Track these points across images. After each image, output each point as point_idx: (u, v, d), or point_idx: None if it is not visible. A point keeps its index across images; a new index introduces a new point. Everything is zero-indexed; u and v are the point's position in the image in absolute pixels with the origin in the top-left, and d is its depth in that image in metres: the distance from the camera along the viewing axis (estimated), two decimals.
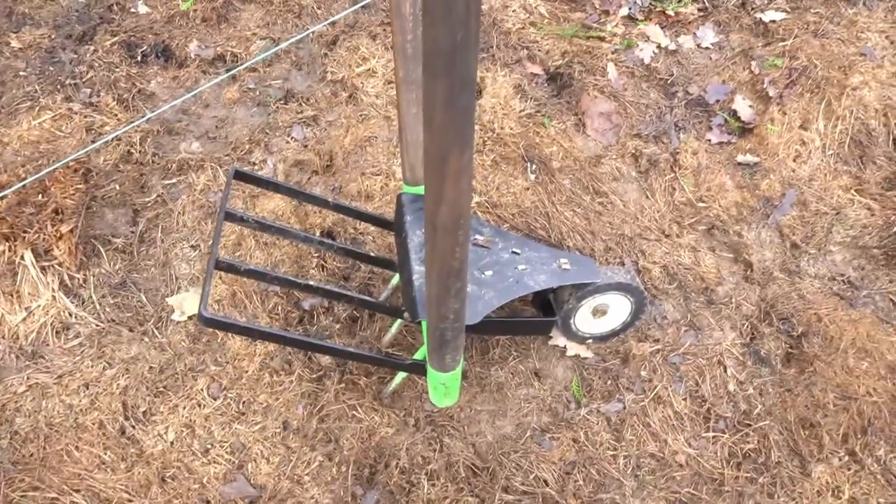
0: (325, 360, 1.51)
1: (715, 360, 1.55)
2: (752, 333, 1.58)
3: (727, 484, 1.42)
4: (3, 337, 1.55)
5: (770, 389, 1.51)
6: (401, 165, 1.31)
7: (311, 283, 1.28)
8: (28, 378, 1.51)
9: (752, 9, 1.98)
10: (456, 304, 0.96)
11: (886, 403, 1.46)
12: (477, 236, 1.36)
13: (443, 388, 1.20)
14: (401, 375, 1.42)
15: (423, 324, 1.26)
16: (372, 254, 1.49)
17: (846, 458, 1.42)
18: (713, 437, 1.47)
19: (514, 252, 1.37)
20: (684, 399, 1.51)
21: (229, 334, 1.53)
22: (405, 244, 1.30)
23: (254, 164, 1.77)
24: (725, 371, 1.54)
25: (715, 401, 1.50)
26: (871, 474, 1.41)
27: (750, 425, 1.47)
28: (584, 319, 1.47)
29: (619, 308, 1.46)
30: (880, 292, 1.62)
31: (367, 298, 1.34)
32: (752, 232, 1.70)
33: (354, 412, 1.43)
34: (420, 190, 1.35)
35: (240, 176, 1.34)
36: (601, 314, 1.47)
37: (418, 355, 1.32)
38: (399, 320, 1.47)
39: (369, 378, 1.48)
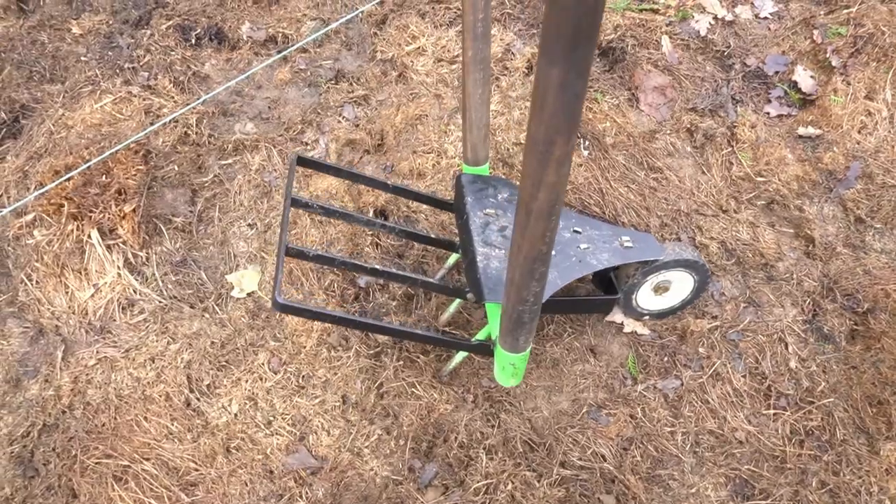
0: (382, 337, 1.53)
1: (775, 337, 1.52)
2: (815, 310, 1.55)
3: (789, 461, 1.40)
4: (74, 312, 1.62)
5: (834, 366, 1.48)
6: (462, 145, 1.31)
7: (377, 267, 1.30)
8: (97, 352, 1.57)
9: None
10: (538, 287, 0.96)
11: None
12: None
13: (511, 368, 1.20)
14: (461, 355, 1.43)
15: (489, 306, 1.27)
16: (432, 235, 1.50)
17: None
18: (774, 414, 1.45)
19: (575, 231, 1.36)
20: (743, 376, 1.49)
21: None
22: (467, 225, 1.30)
23: (306, 143, 1.80)
24: (786, 348, 1.51)
25: (776, 378, 1.48)
26: None
27: (813, 402, 1.44)
28: (646, 296, 1.46)
29: (681, 284, 1.44)
30: None
31: (432, 281, 1.36)
32: (814, 206, 1.66)
33: (413, 389, 1.45)
34: (480, 170, 1.35)
35: (302, 162, 1.36)
36: (663, 291, 1.46)
37: (481, 335, 1.33)
38: (458, 300, 1.48)
39: (427, 356, 1.50)
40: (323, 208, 1.37)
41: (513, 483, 1.38)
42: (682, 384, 1.47)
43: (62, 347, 1.59)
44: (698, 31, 1.80)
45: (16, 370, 1.58)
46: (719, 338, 1.51)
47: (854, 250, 1.60)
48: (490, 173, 1.39)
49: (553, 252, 1.29)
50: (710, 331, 1.52)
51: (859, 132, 1.70)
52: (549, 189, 0.77)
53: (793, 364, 1.49)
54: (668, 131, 1.73)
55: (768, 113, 1.75)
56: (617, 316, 1.52)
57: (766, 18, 1.85)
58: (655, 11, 1.85)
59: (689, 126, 1.73)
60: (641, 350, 1.51)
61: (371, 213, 1.67)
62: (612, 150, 1.69)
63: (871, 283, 1.53)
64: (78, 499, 1.41)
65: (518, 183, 1.48)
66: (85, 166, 1.69)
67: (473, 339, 1.32)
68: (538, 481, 1.38)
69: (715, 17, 1.81)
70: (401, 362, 1.49)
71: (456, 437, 1.41)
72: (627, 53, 1.81)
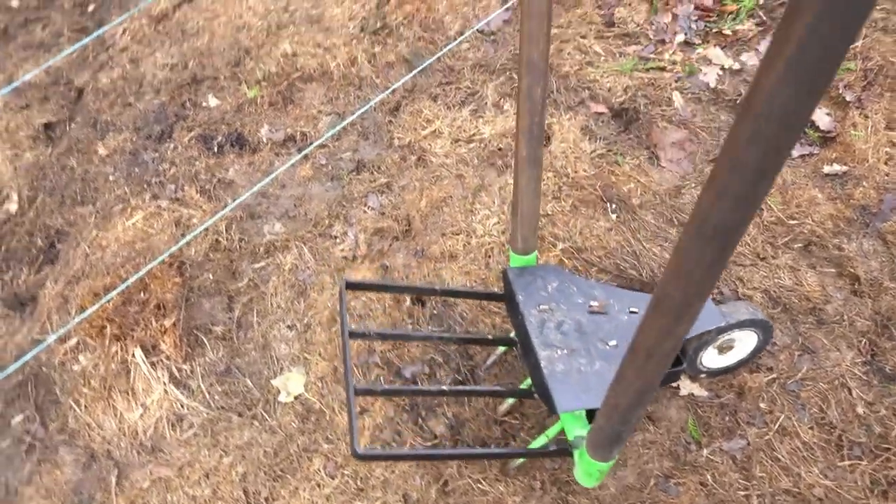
0: (439, 428, 1.51)
1: (837, 383, 1.48)
2: (872, 350, 1.52)
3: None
4: (125, 434, 1.62)
5: None
6: (511, 236, 1.31)
7: (445, 388, 1.29)
8: (151, 473, 1.56)
9: None
10: (643, 410, 0.95)
11: None
12: (591, 302, 1.32)
13: (598, 474, 1.17)
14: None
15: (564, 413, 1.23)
16: (489, 336, 1.48)
17: None
18: (850, 465, 1.40)
19: (631, 312, 1.32)
20: (811, 428, 1.45)
21: (339, 414, 1.55)
22: (523, 325, 1.28)
23: (335, 237, 1.82)
24: (850, 393, 1.47)
25: (845, 426, 1.44)
26: None
27: (889, 449, 1.40)
28: (711, 358, 1.44)
29: (745, 341, 1.43)
30: None
31: (499, 389, 1.37)
32: (854, 243, 1.64)
33: (479, 485, 1.42)
34: (527, 260, 1.35)
35: (351, 286, 1.35)
36: (728, 349, 1.44)
37: (540, 441, 1.31)
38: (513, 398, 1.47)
39: (485, 446, 1.48)
40: (380, 335, 1.38)
41: None
42: (749, 443, 1.43)
43: (115, 472, 1.59)
44: (708, 83, 1.83)
45: (70, 499, 1.58)
46: (778, 390, 1.48)
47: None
48: (537, 262, 1.38)
49: (614, 342, 1.27)
50: (768, 384, 1.49)
51: (886, 164, 1.70)
52: (675, 340, 0.76)
53: (860, 410, 1.45)
54: (693, 185, 1.74)
55: (790, 154, 1.75)
56: None
57: None
58: (663, 69, 1.89)
59: None
60: (700, 412, 1.48)
61: (408, 301, 1.68)
62: (640, 211, 1.70)
63: None
64: None
65: (564, 269, 1.49)
66: (123, 286, 1.72)
67: (553, 446, 1.28)
68: None
69: (722, 68, 1.85)
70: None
71: None
72: (641, 113, 1.84)
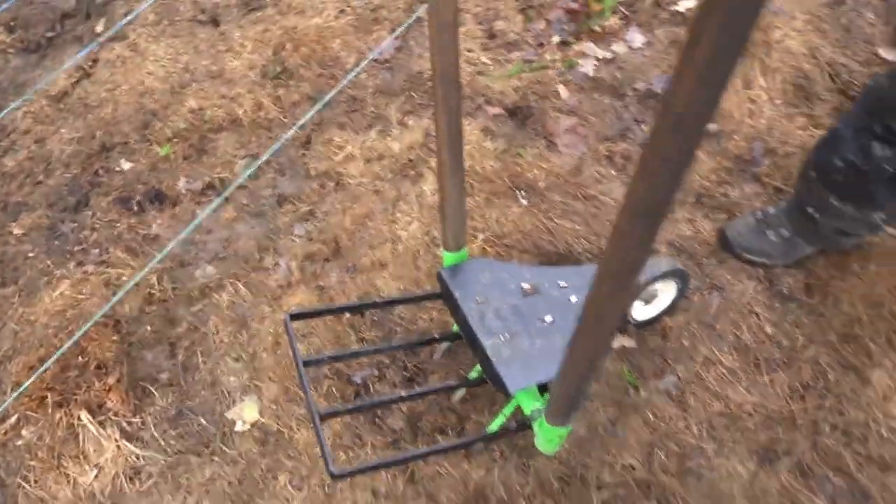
0: (397, 424, 1.57)
1: (745, 311, 1.64)
2: (769, 278, 1.69)
3: (798, 417, 1.49)
4: (81, 499, 1.60)
5: (803, 320, 1.61)
6: (442, 235, 1.39)
7: (404, 394, 1.37)
8: None
9: (666, 4, 2.21)
10: (596, 374, 1.00)
11: None
12: (522, 285, 1.42)
13: (558, 439, 1.24)
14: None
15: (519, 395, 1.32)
16: (436, 335, 1.55)
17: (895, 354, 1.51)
18: (769, 379, 1.55)
19: (560, 286, 1.43)
20: (730, 354, 1.59)
21: (297, 431, 1.59)
22: (464, 319, 1.35)
23: (267, 269, 1.88)
24: (758, 317, 1.63)
25: (759, 346, 1.59)
26: None
27: (798, 357, 1.56)
28: (639, 311, 1.57)
29: (667, 291, 1.56)
30: None
31: (452, 383, 1.48)
32: (737, 190, 1.84)
33: (444, 468, 1.48)
34: (460, 257, 1.43)
35: (295, 317, 1.42)
36: (653, 300, 1.57)
37: (501, 417, 1.40)
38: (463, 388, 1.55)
39: (444, 434, 1.54)
40: (335, 357, 1.45)
41: None
42: (680, 378, 1.57)
43: None
44: (587, 73, 2.03)
45: None
46: (696, 326, 1.63)
47: None
48: (468, 257, 1.46)
49: (549, 317, 1.37)
50: (687, 323, 1.63)
51: (749, 118, 1.92)
52: (622, 305, 0.84)
53: (769, 329, 1.61)
54: (590, 163, 1.91)
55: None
56: None
57: (639, 48, 2.11)
58: (546, 68, 2.09)
59: (606, 153, 1.92)
60: (632, 360, 1.61)
61: (348, 314, 1.75)
62: (548, 193, 1.85)
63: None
64: None
65: (492, 259, 1.60)
66: (58, 354, 1.72)
67: (514, 425, 1.36)
68: None
69: (597, 59, 2.05)
70: (424, 446, 1.53)
71: (496, 497, 1.44)
72: (533, 108, 2.01)
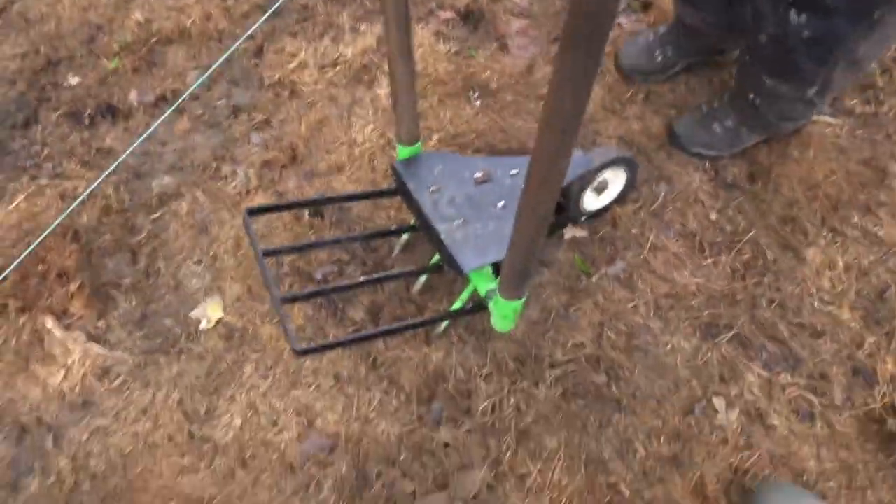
0: (358, 315, 1.62)
1: (692, 200, 1.71)
2: (715, 168, 1.76)
3: (739, 294, 1.57)
4: (52, 398, 1.63)
5: (746, 206, 1.68)
6: (396, 129, 1.40)
7: (362, 279, 1.41)
8: (88, 425, 1.58)
9: None
10: (542, 242, 1.05)
11: (844, 179, 1.64)
12: (475, 174, 1.46)
13: (513, 314, 1.29)
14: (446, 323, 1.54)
15: (473, 274, 1.36)
16: (392, 227, 1.59)
17: (829, 234, 1.60)
18: (713, 261, 1.63)
19: (511, 174, 1.47)
20: (676, 240, 1.66)
21: (261, 326, 1.63)
22: (419, 209, 1.39)
23: (225, 177, 1.89)
24: (703, 205, 1.70)
25: (703, 232, 1.66)
26: (855, 240, 1.58)
27: (740, 240, 1.64)
28: (590, 200, 1.61)
29: (616, 179, 1.61)
30: None
31: (412, 269, 1.51)
32: (682, 85, 1.88)
33: (405, 353, 1.54)
34: (414, 149, 1.45)
35: (252, 212, 1.44)
36: (603, 190, 1.62)
37: (459, 302, 1.45)
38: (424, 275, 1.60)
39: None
40: (294, 248, 1.47)
41: (514, 397, 1.49)
42: (628, 264, 1.64)
43: (50, 435, 1.59)
44: None
45: (9, 475, 1.57)
46: (645, 215, 1.69)
47: None
48: (421, 149, 1.48)
49: (502, 203, 1.41)
50: (635, 212, 1.69)
51: None
52: (561, 172, 0.90)
53: (713, 216, 1.68)
54: (542, 63, 1.93)
55: (620, 24, 1.98)
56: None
57: None
58: None
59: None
60: (584, 249, 1.67)
61: (307, 216, 1.77)
62: (500, 93, 1.87)
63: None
64: None
65: (445, 152, 1.62)
66: (16, 262, 1.72)
67: (469, 306, 1.42)
68: (536, 387, 1.50)
69: None
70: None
71: (454, 376, 1.51)
72: (485, 12, 2.01)
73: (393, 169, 1.48)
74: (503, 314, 1.30)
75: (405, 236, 1.67)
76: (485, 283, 1.36)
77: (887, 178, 1.66)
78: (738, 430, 1.42)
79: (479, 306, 1.42)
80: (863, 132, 1.74)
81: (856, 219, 1.60)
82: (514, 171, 1.48)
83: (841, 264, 1.55)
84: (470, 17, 2.02)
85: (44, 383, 1.65)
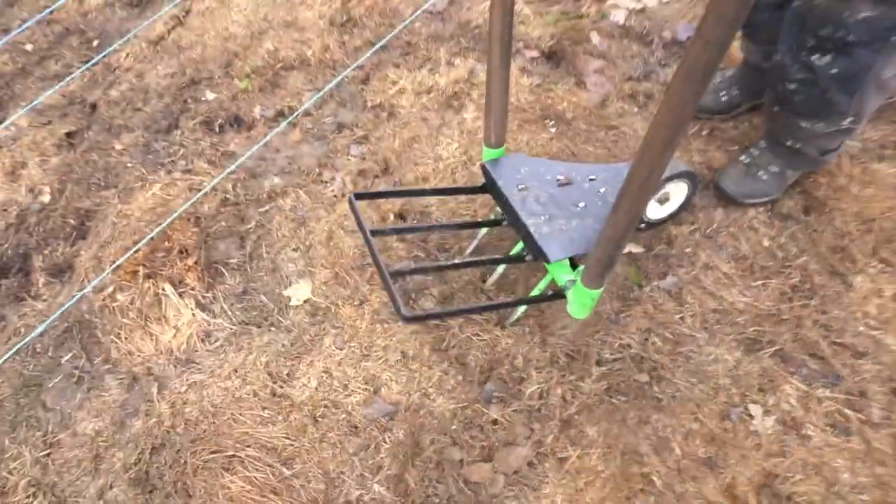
0: (428, 304, 1.80)
1: (746, 227, 1.80)
2: (772, 201, 1.84)
3: (784, 314, 1.64)
4: (161, 353, 1.88)
5: (799, 235, 1.75)
6: (484, 131, 1.59)
7: (458, 261, 1.60)
8: (187, 379, 1.82)
9: None
10: (628, 239, 1.22)
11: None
12: (558, 177, 1.62)
13: (591, 302, 1.42)
14: (523, 308, 1.69)
15: (553, 265, 1.52)
16: (480, 220, 1.78)
17: (879, 265, 1.64)
18: (762, 283, 1.70)
19: (591, 179, 1.62)
20: (728, 262, 1.75)
21: (342, 307, 1.84)
22: (508, 203, 1.56)
23: (325, 182, 2.14)
24: (757, 233, 1.78)
25: (755, 256, 1.74)
26: None
27: (790, 265, 1.70)
28: (653, 210, 1.74)
29: (678, 192, 1.73)
30: (861, 139, 1.88)
31: (497, 257, 1.68)
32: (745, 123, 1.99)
33: (477, 336, 1.69)
34: (499, 153, 1.63)
35: (359, 196, 1.64)
36: (665, 201, 1.74)
37: (542, 285, 1.60)
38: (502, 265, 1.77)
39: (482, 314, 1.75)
40: (396, 230, 1.70)
41: (561, 387, 1.61)
42: (679, 279, 1.73)
43: (156, 385, 1.84)
44: (618, 22, 2.21)
45: (119, 415, 1.83)
46: (700, 237, 1.79)
47: None
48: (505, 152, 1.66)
49: (582, 203, 1.59)
50: (691, 233, 1.80)
51: None
52: (657, 176, 1.05)
53: (766, 243, 1.76)
54: (615, 99, 2.09)
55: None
56: None
57: (667, 2, 2.28)
58: (581, 17, 2.28)
59: (630, 92, 2.10)
60: (639, 264, 1.78)
61: (392, 218, 1.99)
62: (574, 122, 2.04)
63: (810, 174, 1.83)
64: (194, 496, 1.62)
65: (528, 155, 1.80)
66: (150, 237, 2.02)
67: (550, 292, 1.57)
68: (582, 381, 1.61)
69: (628, 9, 2.23)
70: (460, 321, 1.74)
71: (511, 362, 1.65)
72: (566, 51, 2.21)
73: (483, 167, 1.66)
74: (583, 302, 1.43)
75: (481, 232, 1.83)
76: (563, 274, 1.50)
77: None
78: (773, 437, 1.47)
79: (557, 294, 1.55)
80: None
81: None
82: (593, 176, 1.63)
83: (888, 292, 1.59)
84: (552, 57, 2.22)
85: (157, 340, 1.91)
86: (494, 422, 1.58)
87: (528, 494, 1.48)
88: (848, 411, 1.47)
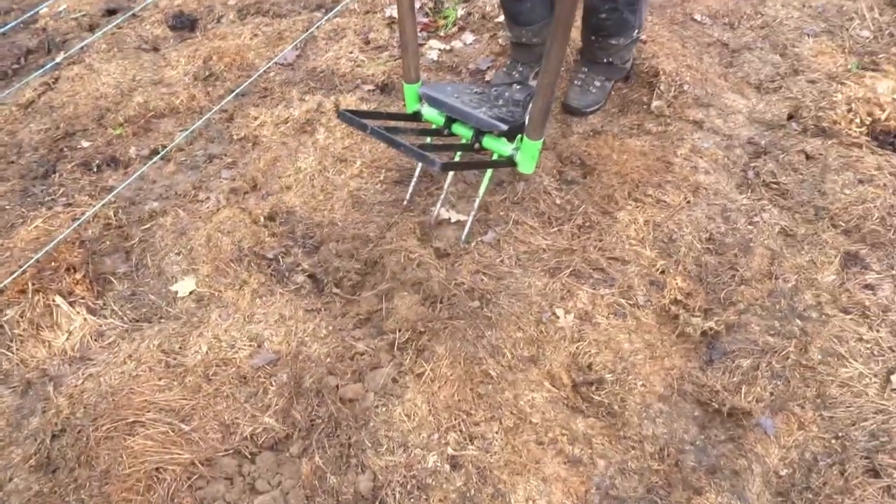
0: (300, 279, 2.06)
1: (542, 192, 2.26)
2: (559, 171, 2.32)
3: (575, 247, 2.08)
4: (56, 355, 1.98)
5: (580, 192, 2.23)
6: (403, 69, 1.98)
7: (429, 140, 2.02)
8: (83, 373, 1.93)
9: (490, 18, 2.95)
10: (556, 88, 1.63)
11: (642, 168, 2.23)
12: (474, 88, 2.08)
13: (537, 153, 1.84)
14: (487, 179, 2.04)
15: (491, 142, 1.92)
16: (433, 126, 2.08)
17: (633, 203, 2.15)
18: (557, 229, 2.14)
19: (493, 87, 2.12)
20: (532, 218, 2.18)
21: (225, 292, 2.06)
22: (454, 108, 1.92)
23: (200, 200, 2.38)
24: (551, 195, 2.25)
25: (550, 211, 2.19)
26: (648, 205, 2.13)
27: (575, 213, 2.17)
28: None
29: None
30: (618, 125, 2.45)
31: (455, 143, 2.01)
32: None
33: (336, 301, 1.98)
34: (417, 85, 2.01)
35: (347, 111, 1.83)
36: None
37: (495, 157, 1.98)
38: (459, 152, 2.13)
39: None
40: (367, 113, 2.03)
41: (418, 323, 1.92)
42: (497, 234, 2.14)
43: (52, 384, 1.93)
44: (433, 59, 2.71)
45: (14, 417, 1.89)
46: (509, 203, 2.22)
47: (566, 136, 2.44)
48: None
49: (501, 101, 2.00)
50: (502, 201, 2.22)
51: None
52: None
53: (558, 201, 2.22)
54: None
55: None
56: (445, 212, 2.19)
57: (471, 44, 2.82)
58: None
59: None
60: (463, 229, 2.17)
61: (262, 220, 2.25)
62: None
63: (585, 150, 2.35)
64: (98, 463, 1.73)
65: (445, 82, 2.25)
66: (35, 258, 2.14)
67: (504, 158, 1.94)
68: (431, 313, 1.93)
69: (440, 50, 2.74)
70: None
71: (376, 310, 1.94)
72: (395, 83, 2.65)
73: (421, 93, 2.01)
74: (531, 155, 1.84)
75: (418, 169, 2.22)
76: (506, 147, 1.92)
77: (671, 167, 2.25)
78: (574, 328, 1.87)
79: (508, 161, 1.93)
80: (658, 142, 2.35)
81: (650, 192, 2.16)
82: (494, 89, 2.09)
83: (640, 220, 2.09)
84: (384, 89, 2.66)
85: (50, 345, 2.01)
86: (362, 353, 1.85)
87: (395, 402, 1.76)
88: (622, 300, 1.91)
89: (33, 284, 2.11)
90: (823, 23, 2.81)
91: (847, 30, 2.75)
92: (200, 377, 1.84)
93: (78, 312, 2.07)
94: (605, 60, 2.39)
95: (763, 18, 2.83)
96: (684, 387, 1.76)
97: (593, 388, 1.76)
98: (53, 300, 2.08)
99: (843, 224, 2.08)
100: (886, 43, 2.67)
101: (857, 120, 2.32)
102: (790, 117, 2.43)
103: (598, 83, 2.46)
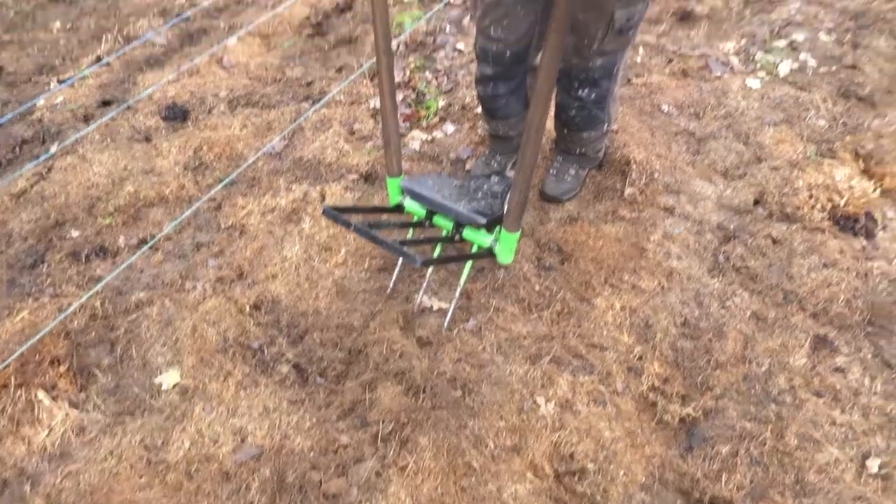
0: (284, 369, 2.07)
1: (521, 278, 2.31)
2: (538, 257, 2.39)
3: (554, 333, 2.12)
4: (34, 453, 1.95)
5: (558, 278, 2.29)
6: (386, 161, 2.03)
7: (409, 236, 2.05)
8: (62, 471, 1.90)
9: (470, 108, 3.09)
10: (531, 185, 1.69)
11: (618, 254, 2.30)
12: (454, 181, 2.15)
13: (515, 244, 1.87)
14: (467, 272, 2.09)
15: (471, 234, 1.98)
16: (416, 220, 2.13)
17: (609, 288, 2.21)
18: (537, 315, 2.19)
19: (473, 181, 2.17)
20: (512, 305, 2.23)
21: (210, 383, 2.06)
22: (435, 202, 1.98)
23: (187, 290, 2.40)
24: (530, 282, 2.30)
25: (530, 297, 2.24)
26: (624, 291, 2.19)
27: (554, 299, 2.22)
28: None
29: None
30: (594, 211, 2.54)
31: (437, 237, 2.07)
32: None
33: (320, 393, 1.99)
34: (399, 178, 2.07)
35: (332, 209, 1.88)
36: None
37: (474, 249, 2.02)
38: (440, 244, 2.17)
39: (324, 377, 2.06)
40: (351, 209, 2.12)
41: (401, 415, 1.92)
42: (478, 321, 2.18)
43: (29, 483, 1.90)
44: (415, 149, 2.81)
45: None
46: (490, 290, 2.27)
47: (543, 223, 2.52)
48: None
49: (479, 193, 2.07)
50: (483, 289, 2.27)
51: None
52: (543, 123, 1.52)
53: (537, 287, 2.28)
54: None
55: None
56: (427, 301, 2.23)
57: (451, 134, 2.94)
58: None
59: None
60: (447, 317, 2.21)
61: (247, 309, 2.28)
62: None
63: (561, 236, 2.43)
64: None
65: (426, 174, 2.32)
66: (18, 352, 2.13)
67: (484, 250, 1.98)
68: (413, 403, 1.94)
69: (422, 140, 2.85)
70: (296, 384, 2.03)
71: (359, 402, 1.95)
72: (379, 173, 2.74)
73: (403, 186, 2.08)
74: (509, 246, 1.88)
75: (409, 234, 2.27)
76: (486, 238, 1.96)
77: (645, 252, 2.32)
78: (555, 416, 1.88)
79: (488, 252, 1.98)
80: (631, 229, 2.44)
81: (626, 277, 2.22)
82: (473, 181, 2.17)
83: (617, 305, 2.14)
84: (369, 178, 2.75)
85: (29, 441, 1.98)
86: (346, 445, 1.85)
87: (378, 497, 1.74)
88: (601, 387, 1.93)
89: (16, 379, 2.09)
90: (782, 112, 2.97)
91: (804, 119, 2.92)
92: (182, 474, 1.81)
93: (60, 407, 2.05)
94: (577, 151, 2.49)
95: (726, 109, 3.00)
96: (665, 475, 1.77)
97: (576, 478, 1.76)
98: (35, 395, 2.06)
99: (811, 307, 2.14)
100: (840, 132, 2.83)
101: (819, 206, 2.43)
102: (756, 203, 2.54)
103: (572, 171, 2.57)
